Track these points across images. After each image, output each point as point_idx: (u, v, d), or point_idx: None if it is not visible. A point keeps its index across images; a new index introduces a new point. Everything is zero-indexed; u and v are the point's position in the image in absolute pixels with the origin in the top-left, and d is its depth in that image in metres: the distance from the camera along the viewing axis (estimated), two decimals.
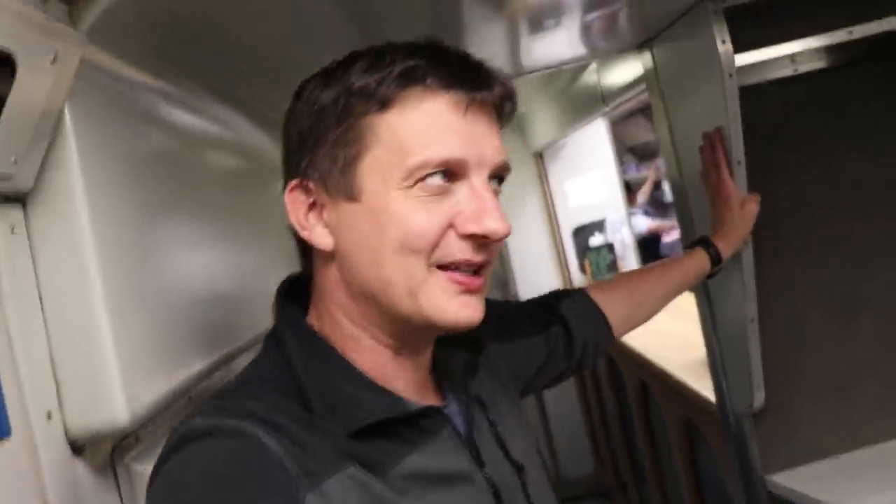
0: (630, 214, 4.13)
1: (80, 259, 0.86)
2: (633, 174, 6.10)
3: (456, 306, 0.84)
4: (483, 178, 0.84)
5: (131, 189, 0.98)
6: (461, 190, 0.83)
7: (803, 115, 1.75)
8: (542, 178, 3.86)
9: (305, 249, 0.92)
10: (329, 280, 0.90)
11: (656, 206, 5.61)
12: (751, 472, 1.85)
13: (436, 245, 0.82)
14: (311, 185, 0.87)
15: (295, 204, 0.89)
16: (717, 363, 1.90)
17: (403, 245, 0.82)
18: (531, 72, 2.11)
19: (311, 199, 0.88)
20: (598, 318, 1.38)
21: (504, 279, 4.14)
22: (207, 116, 1.30)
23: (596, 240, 3.80)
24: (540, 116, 3.43)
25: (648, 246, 5.31)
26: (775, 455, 1.83)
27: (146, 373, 0.93)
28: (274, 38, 1.16)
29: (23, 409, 0.79)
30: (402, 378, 0.91)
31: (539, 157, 3.84)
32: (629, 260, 3.89)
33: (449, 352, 1.01)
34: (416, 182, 0.81)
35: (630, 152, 6.22)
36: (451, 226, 0.83)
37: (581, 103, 2.72)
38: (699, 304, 1.96)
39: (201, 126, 1.29)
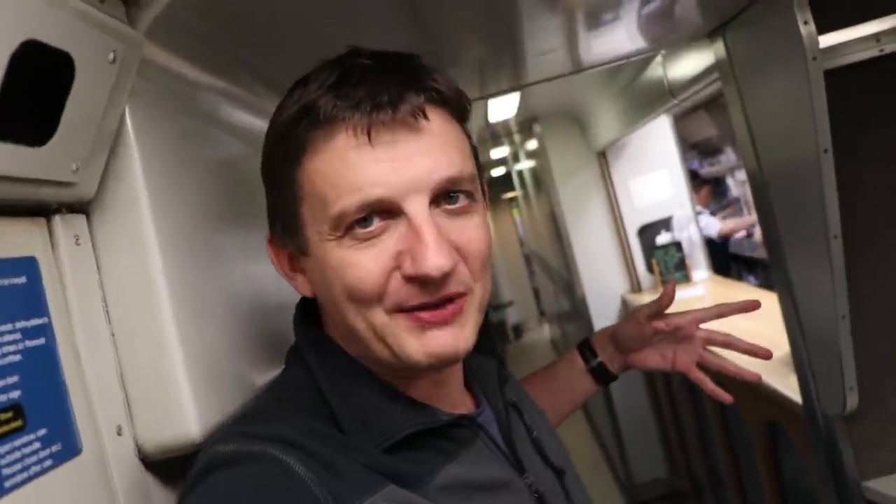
0: (697, 214, 4.04)
1: (147, 270, 0.83)
2: (696, 170, 5.98)
3: (425, 344, 0.78)
4: (422, 207, 0.75)
5: (194, 195, 0.95)
6: (400, 226, 0.76)
7: (892, 98, 1.64)
8: (606, 177, 3.78)
9: None
10: (326, 316, 0.88)
11: (721, 204, 5.48)
12: (844, 478, 1.75)
13: (383, 291, 0.76)
14: (278, 238, 0.86)
15: (277, 256, 0.88)
16: (804, 363, 1.80)
17: (350, 296, 0.77)
18: (593, 67, 2.06)
19: (287, 250, 0.86)
20: None
21: (570, 282, 4.08)
22: (265, 116, 1.27)
23: (663, 238, 3.71)
24: (602, 114, 3.36)
25: (716, 245, 5.20)
26: (872, 459, 1.73)
27: (216, 385, 0.90)
28: (332, 34, 1.13)
29: (93, 425, 0.76)
30: (428, 388, 0.88)
31: (602, 156, 3.77)
32: (697, 258, 3.79)
33: (479, 360, 0.98)
34: (345, 231, 0.76)
35: (693, 149, 6.10)
36: (396, 267, 0.76)
37: (647, 98, 2.64)
38: (781, 301, 1.87)
39: (260, 126, 1.25)
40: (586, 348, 1.42)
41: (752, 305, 1.36)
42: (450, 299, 0.78)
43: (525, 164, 5.53)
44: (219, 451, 0.74)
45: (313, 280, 0.84)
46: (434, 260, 0.74)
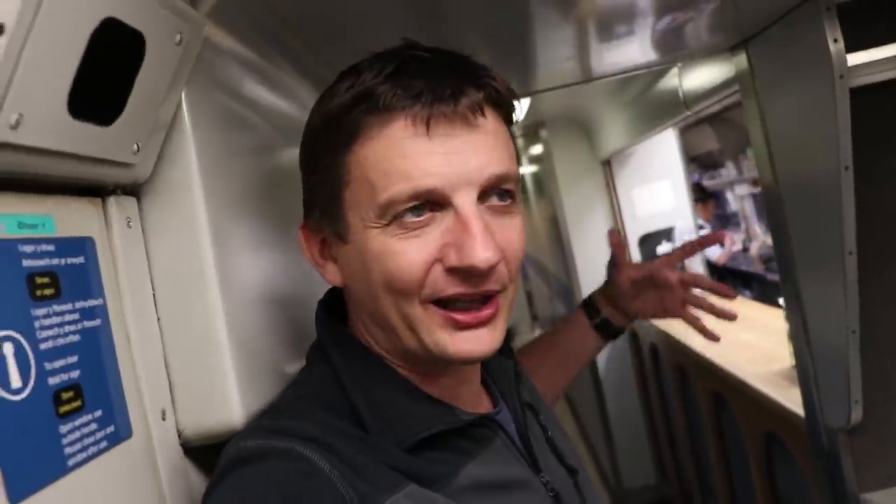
0: (699, 229, 4.06)
1: (196, 256, 0.83)
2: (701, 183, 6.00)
3: (457, 343, 0.79)
4: (470, 201, 0.76)
5: (239, 182, 0.95)
6: (446, 218, 0.77)
7: None
8: (610, 185, 3.80)
9: None
10: (354, 308, 0.88)
11: (722, 221, 5.50)
12: (844, 490, 1.77)
13: (423, 282, 0.77)
14: (313, 223, 0.86)
15: (308, 242, 0.88)
16: (809, 375, 1.81)
17: (388, 285, 0.78)
18: (606, 77, 2.07)
19: (320, 236, 0.86)
20: None
21: (569, 287, 4.09)
22: (301, 106, 1.27)
23: (663, 248, 3.72)
24: (611, 123, 3.37)
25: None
26: (872, 473, 1.75)
27: (258, 372, 0.90)
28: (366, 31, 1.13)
29: (142, 409, 0.77)
30: (447, 387, 0.88)
31: (607, 164, 3.78)
32: (697, 269, 3.81)
33: (497, 359, 0.99)
34: (392, 219, 0.76)
35: (693, 162, 6.13)
36: (438, 259, 0.77)
37: (659, 109, 2.65)
38: (789, 314, 1.89)
39: (297, 116, 1.25)
40: (590, 306, 1.48)
41: (719, 236, 1.49)
42: (488, 296, 0.79)
43: (527, 169, 5.54)
44: (245, 447, 0.74)
45: (347, 268, 0.84)
46: (482, 252, 0.74)
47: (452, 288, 0.77)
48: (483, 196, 0.78)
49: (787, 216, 1.74)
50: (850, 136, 1.45)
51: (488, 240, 0.75)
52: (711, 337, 1.45)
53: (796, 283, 1.76)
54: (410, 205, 0.76)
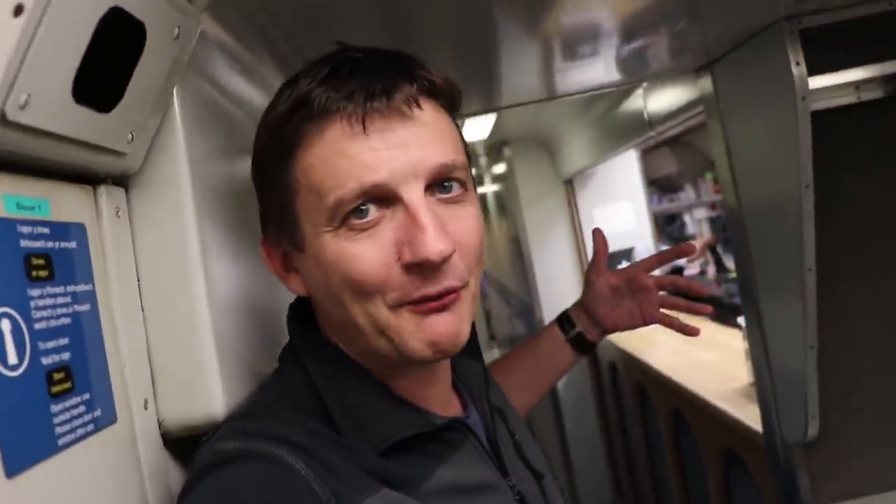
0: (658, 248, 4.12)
1: (182, 248, 0.84)
2: (654, 206, 6.09)
3: (428, 332, 0.79)
4: (418, 193, 0.76)
5: (225, 179, 0.96)
6: (397, 214, 0.77)
7: (868, 143, 1.73)
8: (572, 204, 3.85)
9: None
10: (320, 316, 0.89)
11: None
12: None
13: (384, 283, 0.77)
14: (272, 237, 0.86)
15: (270, 256, 0.88)
16: (768, 392, 1.86)
17: (350, 289, 0.78)
18: (571, 95, 2.10)
19: (281, 249, 0.86)
20: None
21: (530, 306, 4.12)
22: None
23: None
24: (574, 142, 3.42)
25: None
26: (827, 487, 1.79)
27: (240, 366, 0.91)
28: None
29: (125, 397, 0.77)
30: (420, 390, 0.89)
31: (569, 184, 3.83)
32: None
33: (464, 361, 1.00)
34: (342, 221, 0.76)
35: (652, 185, 6.22)
36: (396, 259, 0.77)
37: (623, 129, 2.70)
38: (749, 332, 1.94)
39: None
40: (565, 320, 1.49)
41: (688, 249, 1.54)
42: (449, 292, 0.79)
43: (490, 188, 5.58)
44: (221, 449, 0.74)
45: (309, 277, 0.84)
46: (434, 245, 0.74)
47: (417, 291, 0.77)
48: (431, 188, 0.79)
49: (748, 235, 1.80)
50: (811, 157, 1.51)
51: (440, 231, 0.75)
52: (692, 331, 1.45)
53: (757, 301, 1.81)
54: (358, 203, 0.76)
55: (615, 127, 2.83)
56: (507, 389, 1.25)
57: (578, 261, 3.91)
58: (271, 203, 0.84)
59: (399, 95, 0.76)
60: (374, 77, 0.76)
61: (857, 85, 1.70)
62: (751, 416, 2.08)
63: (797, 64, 1.46)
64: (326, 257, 0.78)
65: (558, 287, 3.88)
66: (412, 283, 0.77)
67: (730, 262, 5.06)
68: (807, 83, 1.47)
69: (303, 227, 0.80)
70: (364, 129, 0.75)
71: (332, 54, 0.81)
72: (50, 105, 0.59)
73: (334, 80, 0.76)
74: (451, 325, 0.79)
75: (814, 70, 1.51)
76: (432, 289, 0.77)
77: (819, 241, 1.56)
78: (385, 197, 0.76)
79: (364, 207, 0.76)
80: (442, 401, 0.93)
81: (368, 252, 0.76)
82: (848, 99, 1.70)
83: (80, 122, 0.65)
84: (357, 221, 0.76)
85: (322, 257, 0.78)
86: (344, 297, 0.79)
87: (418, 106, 0.78)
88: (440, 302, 0.78)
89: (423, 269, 0.76)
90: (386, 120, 0.76)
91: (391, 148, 0.76)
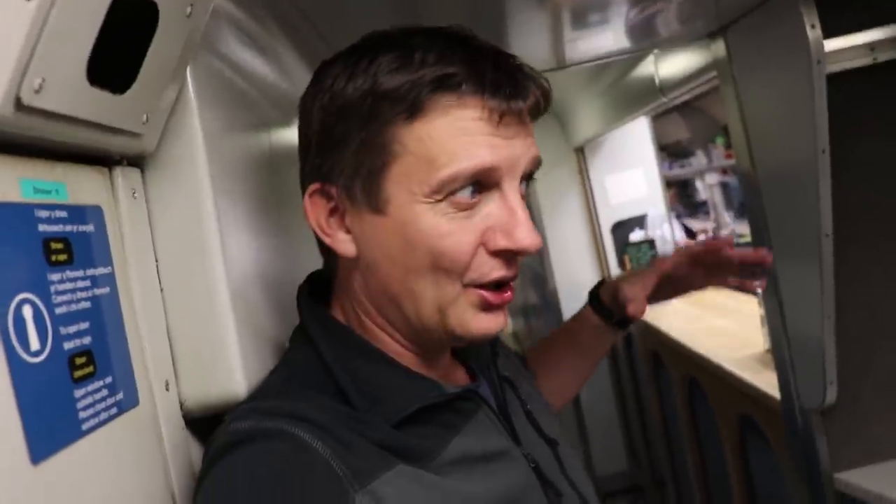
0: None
1: (199, 228, 0.84)
2: (666, 172, 6.05)
3: (483, 322, 0.84)
4: (515, 187, 0.81)
5: (241, 159, 0.96)
6: (491, 201, 0.81)
7: (884, 105, 1.70)
8: (583, 173, 3.82)
9: (327, 248, 0.89)
10: (353, 283, 0.89)
11: (691, 209, 5.55)
12: (818, 470, 1.81)
13: (469, 265, 0.80)
14: (333, 190, 0.84)
15: (316, 208, 0.86)
16: (785, 357, 1.85)
17: (435, 265, 0.80)
18: (581, 63, 2.08)
19: (332, 204, 0.85)
20: None
21: (542, 275, 4.12)
22: (295, 83, 1.27)
23: (636, 235, 3.76)
24: (585, 111, 3.39)
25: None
26: (845, 452, 1.79)
27: (261, 345, 0.91)
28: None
29: (147, 379, 0.77)
30: (430, 363, 0.91)
31: (580, 152, 3.81)
32: (668, 251, 3.86)
33: None
34: (445, 196, 0.78)
35: (663, 150, 6.19)
36: (481, 243, 0.80)
37: (634, 96, 2.68)
38: (766, 299, 1.93)
39: (292, 94, 1.25)
40: (597, 304, 1.39)
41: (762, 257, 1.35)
42: (513, 279, 0.85)
43: None
44: (237, 429, 0.75)
45: (374, 240, 0.83)
46: (531, 237, 0.80)
47: (494, 272, 0.82)
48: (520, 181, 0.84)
49: (763, 201, 1.78)
50: (827, 121, 1.49)
51: (531, 224, 0.81)
52: (759, 284, 1.37)
53: (773, 266, 1.79)
54: (469, 183, 0.79)
55: (626, 94, 2.80)
56: (552, 373, 1.32)
57: (590, 228, 3.90)
58: (346, 159, 0.82)
59: (531, 100, 0.81)
60: (513, 74, 0.81)
61: (872, 46, 1.67)
62: (767, 382, 2.08)
63: (812, 27, 1.44)
64: (417, 227, 0.79)
65: (570, 255, 3.87)
66: (491, 267, 0.81)
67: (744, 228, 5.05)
68: (822, 46, 1.45)
69: (389, 191, 0.81)
70: (500, 119, 0.78)
71: (452, 33, 0.83)
72: (64, 88, 0.58)
73: (477, 65, 0.79)
74: (501, 321, 0.86)
75: (829, 33, 1.49)
76: (508, 273, 0.82)
77: (836, 206, 1.54)
78: (488, 183, 0.80)
79: (469, 189, 0.79)
80: (447, 370, 0.96)
81: (463, 232, 0.79)
82: (863, 61, 1.67)
83: (95, 104, 0.64)
84: (461, 199, 0.79)
85: (412, 225, 0.80)
86: (420, 268, 0.81)
87: (539, 113, 0.84)
88: (502, 297, 0.84)
89: (508, 256, 0.81)
90: (512, 116, 0.80)
91: (510, 141, 0.80)
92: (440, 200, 0.79)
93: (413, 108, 0.78)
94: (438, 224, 0.79)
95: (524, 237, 0.79)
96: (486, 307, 0.83)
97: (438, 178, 0.78)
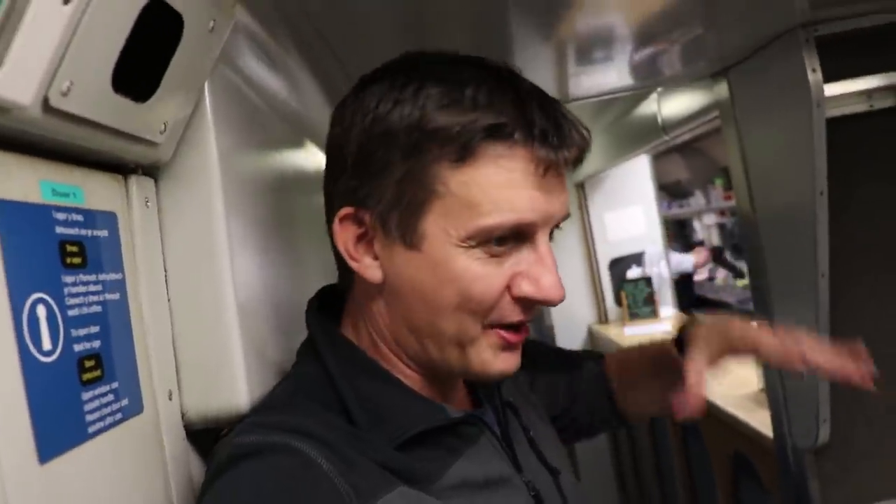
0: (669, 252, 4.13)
1: (210, 241, 0.85)
2: (665, 211, 6.09)
3: (502, 364, 0.85)
4: (547, 238, 0.82)
5: (253, 174, 0.97)
6: (523, 250, 0.81)
7: (880, 151, 1.73)
8: (583, 208, 3.85)
9: (348, 267, 0.87)
10: (371, 306, 0.88)
11: (688, 249, 5.59)
12: None
13: (493, 307, 0.81)
14: (366, 217, 0.83)
15: (345, 232, 0.85)
16: (779, 395, 1.86)
17: (461, 305, 0.80)
18: (586, 99, 2.11)
19: (361, 230, 0.84)
20: (602, 392, 1.31)
21: (539, 310, 4.12)
22: (314, 106, 1.30)
23: (633, 272, 3.78)
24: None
25: (682, 285, 5.28)
26: (837, 492, 1.79)
27: (265, 360, 0.92)
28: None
29: (151, 387, 0.78)
30: (437, 387, 0.92)
31: (580, 187, 3.84)
32: (665, 294, 3.88)
33: None
34: (479, 243, 0.79)
35: (663, 190, 6.23)
36: (507, 287, 0.81)
37: (636, 134, 2.71)
38: None
39: (307, 115, 1.28)
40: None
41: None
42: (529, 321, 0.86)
43: None
44: (242, 442, 0.74)
45: (403, 271, 0.83)
46: (558, 290, 0.81)
47: (514, 315, 0.82)
48: None
49: (762, 241, 1.80)
50: (826, 164, 1.51)
51: (558, 276, 0.82)
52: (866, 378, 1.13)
53: (769, 306, 1.81)
54: (506, 234, 0.79)
55: (629, 131, 2.83)
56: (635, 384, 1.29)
57: (588, 264, 3.92)
58: (386, 188, 0.81)
59: (574, 152, 0.81)
60: (560, 125, 0.80)
61: (869, 93, 1.70)
62: (761, 421, 2.08)
63: (813, 71, 1.47)
64: (449, 267, 0.80)
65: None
66: (512, 310, 0.82)
67: (741, 266, 5.06)
68: (822, 90, 1.47)
69: (425, 229, 0.80)
70: (546, 171, 0.78)
71: (498, 72, 0.82)
72: (90, 93, 0.60)
73: (525, 111, 0.78)
74: (518, 361, 0.87)
75: (830, 77, 1.52)
76: (526, 316, 0.84)
77: (832, 247, 1.56)
78: (523, 234, 0.80)
79: (505, 238, 0.79)
80: (454, 396, 0.95)
81: (494, 277, 0.80)
82: (861, 107, 1.71)
83: (117, 110, 0.66)
84: (496, 248, 0.80)
85: (444, 266, 0.80)
86: (447, 307, 0.81)
87: (577, 164, 0.83)
88: (520, 338, 0.85)
89: (532, 305, 0.83)
90: (555, 168, 0.80)
91: (550, 193, 0.80)
92: (474, 246, 0.79)
93: (463, 153, 0.77)
94: (471, 267, 0.79)
95: (550, 288, 0.80)
96: (506, 347, 0.84)
97: (478, 226, 0.78)
